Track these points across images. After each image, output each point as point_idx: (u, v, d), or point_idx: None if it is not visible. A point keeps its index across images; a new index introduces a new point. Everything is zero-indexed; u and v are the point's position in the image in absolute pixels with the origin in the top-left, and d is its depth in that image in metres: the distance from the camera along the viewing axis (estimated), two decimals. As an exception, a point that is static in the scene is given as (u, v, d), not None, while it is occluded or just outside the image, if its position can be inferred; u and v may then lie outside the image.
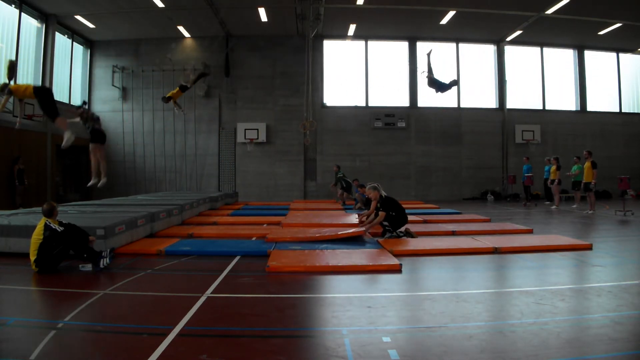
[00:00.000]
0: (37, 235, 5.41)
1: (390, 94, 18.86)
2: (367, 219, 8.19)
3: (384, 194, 7.90)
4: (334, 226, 8.67)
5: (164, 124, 18.07)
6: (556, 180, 14.25)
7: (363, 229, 7.65)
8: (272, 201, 16.48)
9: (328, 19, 16.65)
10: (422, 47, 18.99)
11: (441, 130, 18.75)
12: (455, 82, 10.53)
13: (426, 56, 10.63)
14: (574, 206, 13.89)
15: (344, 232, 7.44)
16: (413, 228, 8.93)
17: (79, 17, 15.66)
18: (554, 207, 14.20)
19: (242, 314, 3.98)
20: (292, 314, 4.03)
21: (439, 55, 18.97)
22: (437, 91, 10.68)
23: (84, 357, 3.12)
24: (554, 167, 14.44)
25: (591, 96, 19.66)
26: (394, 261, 5.71)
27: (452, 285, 5.08)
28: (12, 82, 6.37)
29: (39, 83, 14.98)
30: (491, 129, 19.04)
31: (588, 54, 19.71)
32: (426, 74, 10.72)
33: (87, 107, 8.53)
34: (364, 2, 14.93)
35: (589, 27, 17.04)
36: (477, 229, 8.74)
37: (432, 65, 10.56)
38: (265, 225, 9.67)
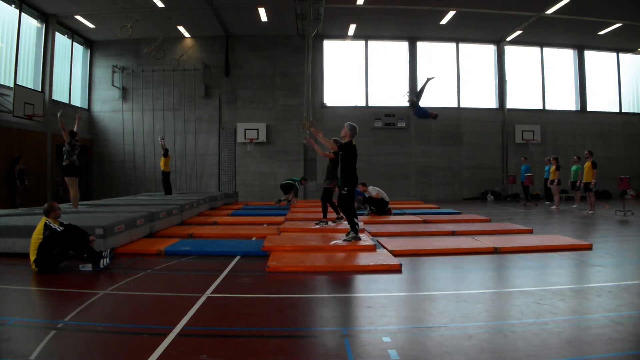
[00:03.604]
0: (37, 235, 5.41)
1: (390, 94, 18.86)
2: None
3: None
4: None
5: (164, 124, 18.07)
6: (556, 181, 14.26)
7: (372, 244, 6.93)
8: (272, 201, 16.45)
9: (328, 19, 16.65)
10: (422, 47, 19.03)
11: (441, 130, 18.74)
12: (436, 116, 9.87)
13: (425, 79, 9.85)
14: (574, 206, 13.90)
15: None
16: (413, 228, 8.99)
17: (79, 17, 15.66)
18: (553, 207, 14.20)
19: (242, 314, 3.98)
20: (292, 314, 4.02)
21: (439, 55, 19.11)
22: (415, 114, 10.12)
23: (84, 357, 3.12)
24: (553, 167, 14.44)
25: (591, 96, 19.66)
26: (394, 261, 5.71)
27: (452, 285, 5.08)
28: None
29: (39, 83, 15.01)
30: (491, 129, 19.04)
31: (588, 54, 19.72)
32: (408, 97, 10.45)
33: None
34: (364, 2, 14.93)
35: (589, 27, 17.04)
36: (477, 229, 8.74)
37: (424, 92, 9.90)
38: (265, 225, 9.67)
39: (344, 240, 7.00)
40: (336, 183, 8.90)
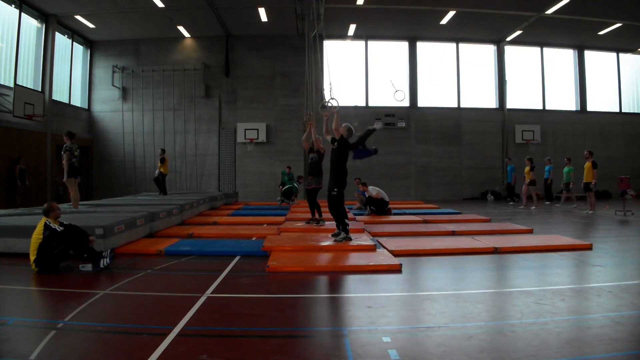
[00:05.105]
0: (37, 235, 5.41)
1: (391, 94, 18.79)
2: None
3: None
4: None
5: (164, 124, 18.07)
6: (528, 181, 14.34)
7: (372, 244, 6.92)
8: (272, 201, 16.46)
9: (328, 19, 16.61)
10: (422, 47, 19.02)
11: (441, 130, 18.74)
12: (376, 151, 8.44)
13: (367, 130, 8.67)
14: (574, 206, 13.90)
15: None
16: (413, 228, 8.98)
17: (79, 17, 15.65)
18: (521, 206, 14.47)
19: (242, 314, 3.98)
20: (292, 314, 4.02)
21: (439, 55, 19.10)
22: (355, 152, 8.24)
23: (84, 357, 3.12)
24: (527, 168, 14.49)
25: (591, 96, 19.66)
26: (394, 261, 5.71)
27: (452, 285, 5.07)
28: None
29: (39, 83, 15.01)
30: (491, 129, 19.04)
31: (588, 54, 19.72)
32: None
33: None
34: (364, 2, 14.93)
35: (589, 27, 17.04)
36: (477, 229, 8.74)
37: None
38: (265, 225, 9.67)
39: (335, 241, 6.96)
40: (322, 182, 8.83)
